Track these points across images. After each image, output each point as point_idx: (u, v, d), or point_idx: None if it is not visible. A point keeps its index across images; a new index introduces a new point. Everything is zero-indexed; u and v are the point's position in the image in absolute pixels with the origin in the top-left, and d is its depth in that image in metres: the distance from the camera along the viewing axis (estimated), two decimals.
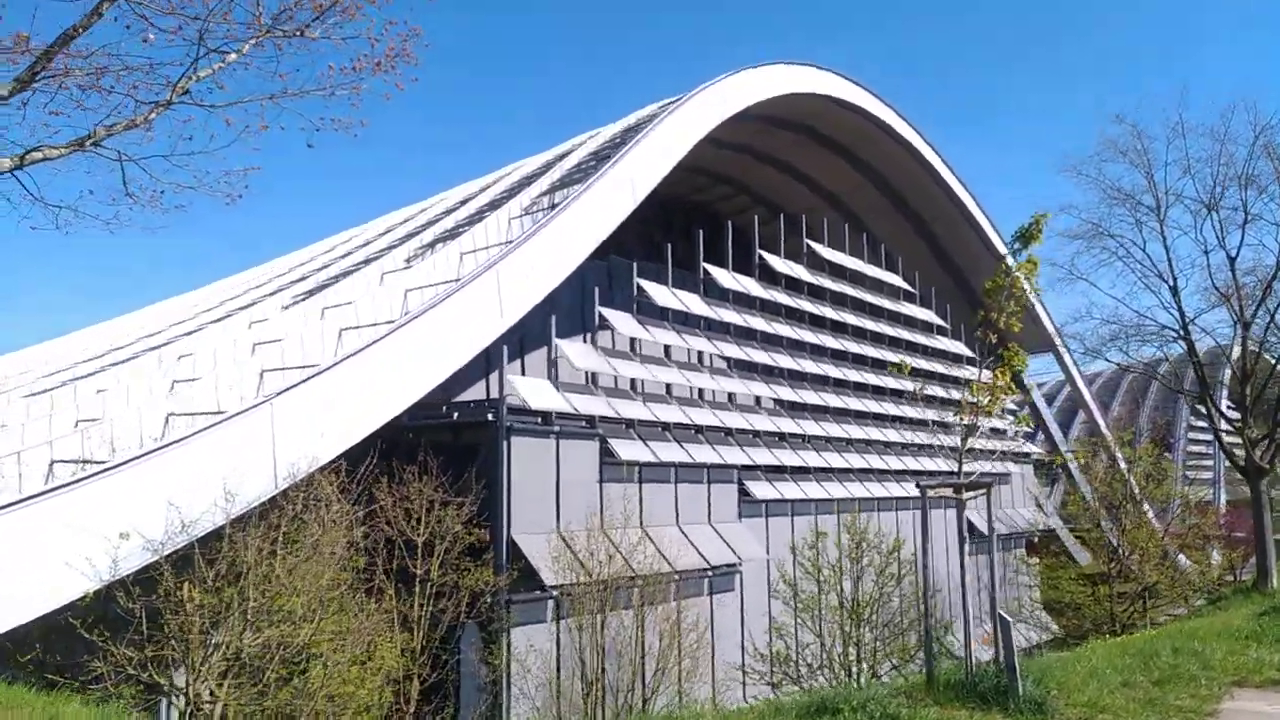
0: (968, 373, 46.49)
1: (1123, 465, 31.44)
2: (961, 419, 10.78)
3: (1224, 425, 23.10)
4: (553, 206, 21.84)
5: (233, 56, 10.43)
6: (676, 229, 34.98)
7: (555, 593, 21.03)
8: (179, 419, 14.26)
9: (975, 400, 10.62)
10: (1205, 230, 21.16)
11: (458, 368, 18.18)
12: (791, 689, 20.43)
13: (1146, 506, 40.51)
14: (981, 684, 8.53)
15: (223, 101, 10.25)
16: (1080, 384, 51.85)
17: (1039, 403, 53.22)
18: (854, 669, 19.57)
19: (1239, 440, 21.31)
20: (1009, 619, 8.67)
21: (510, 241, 19.17)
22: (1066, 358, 48.94)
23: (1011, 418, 51.08)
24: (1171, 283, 21.58)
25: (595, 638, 20.50)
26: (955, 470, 10.84)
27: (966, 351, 46.08)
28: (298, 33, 10.56)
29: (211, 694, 12.37)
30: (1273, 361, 21.01)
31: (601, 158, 24.74)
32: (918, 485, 11.36)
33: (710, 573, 26.61)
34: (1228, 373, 25.49)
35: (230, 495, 11.92)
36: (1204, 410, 23.92)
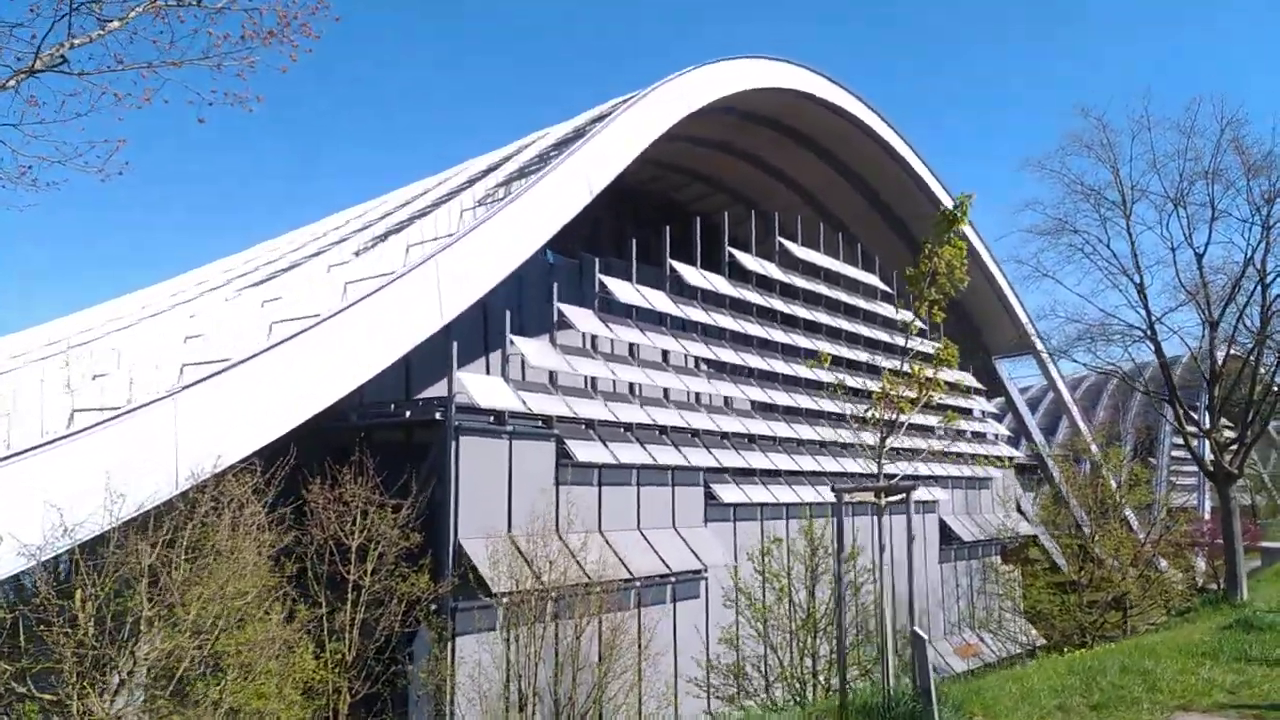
0: (945, 375, 45.90)
1: (1104, 471, 30.80)
2: (874, 413, 10.05)
3: (1191, 428, 22.43)
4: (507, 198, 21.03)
5: (115, 24, 9.66)
6: (652, 227, 34.24)
7: (505, 599, 20.23)
8: (85, 415, 13.43)
9: (892, 393, 9.90)
10: (1172, 226, 20.57)
11: (390, 362, 17.41)
12: (748, 703, 19.68)
13: (1128, 513, 39.95)
14: (897, 708, 7.79)
15: (92, 70, 9.49)
16: (1061, 387, 51.26)
17: (1020, 405, 52.63)
18: (809, 682, 18.81)
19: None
20: (924, 636, 7.96)
21: (453, 234, 18.37)
22: (1047, 360, 48.32)
23: (992, 421, 50.81)
24: (1138, 280, 20.95)
25: (537, 648, 19.71)
26: (882, 474, 10.07)
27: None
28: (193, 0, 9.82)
29: (104, 712, 11.57)
30: (1241, 363, 20.42)
31: (561, 148, 23.96)
32: (833, 489, 10.64)
33: (673, 579, 25.84)
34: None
35: (119, 496, 11.09)
36: (1175, 413, 23.21)
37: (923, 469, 40.49)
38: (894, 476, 10.41)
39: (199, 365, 14.76)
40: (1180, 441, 72.52)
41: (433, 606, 19.67)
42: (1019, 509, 48.62)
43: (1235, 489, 21.41)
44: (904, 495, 9.96)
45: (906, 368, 10.61)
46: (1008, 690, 9.01)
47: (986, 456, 47.39)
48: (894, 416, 10.21)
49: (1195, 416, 23.32)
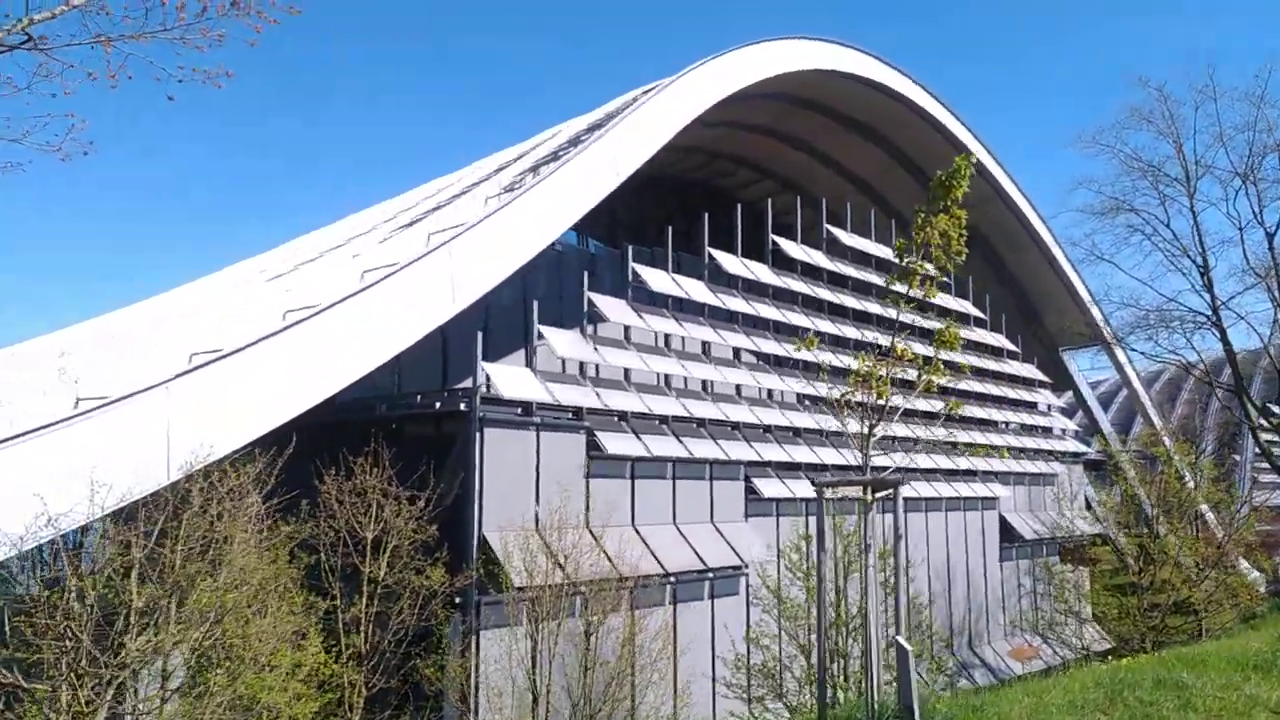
0: (1010, 368, 44.18)
1: (1168, 467, 29.08)
2: (848, 396, 9.26)
3: (1264, 422, 20.77)
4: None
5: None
6: (699, 216, 33.48)
7: (529, 593, 19.77)
8: (88, 403, 13.32)
9: (870, 374, 9.11)
10: (1239, 204, 19.01)
11: (399, 351, 17.06)
12: (776, 705, 18.91)
13: (1205, 511, 37.86)
14: None
15: (50, 45, 9.22)
16: (1133, 379, 48.93)
17: (1089, 399, 50.49)
18: (837, 685, 17.92)
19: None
20: (907, 647, 7.21)
21: (462, 225, 17.93)
22: (1120, 352, 46.11)
23: (1059, 415, 48.79)
24: (1201, 262, 19.46)
25: (560, 645, 19.21)
26: (883, 466, 9.29)
27: (1007, 344, 43.71)
28: None
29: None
30: None
31: (592, 132, 23.40)
32: (813, 483, 9.87)
33: (711, 575, 25.16)
34: None
35: (103, 486, 10.88)
36: (1243, 405, 21.64)
37: (982, 464, 39.07)
38: (861, 469, 9.60)
39: (206, 355, 14.56)
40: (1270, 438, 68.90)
41: (456, 600, 19.39)
42: (1088, 506, 46.59)
43: None
44: (891, 491, 9.14)
45: (904, 344, 9.76)
46: (1018, 705, 8.17)
47: (1051, 451, 45.65)
48: (881, 401, 9.40)
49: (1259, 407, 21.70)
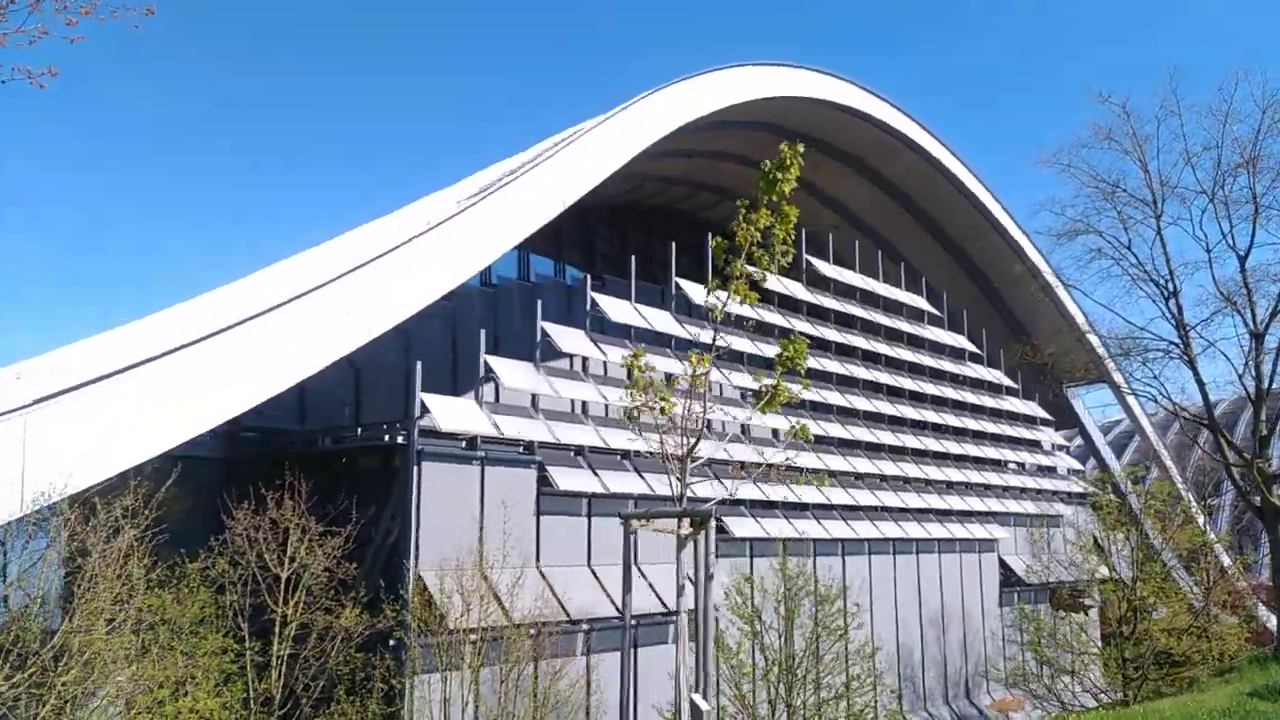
0: (1008, 404, 42.86)
1: (1140, 511, 27.66)
2: (657, 412, 8.38)
3: (1236, 458, 19.46)
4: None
5: None
6: (680, 245, 32.76)
7: (472, 636, 18.80)
8: None
9: (690, 381, 8.24)
10: (1207, 225, 18.02)
11: (296, 381, 16.32)
12: None
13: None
14: None
15: None
16: (1140, 417, 47.34)
17: (1095, 438, 48.94)
18: None
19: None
20: (703, 706, 6.28)
21: (349, 270, 17.27)
22: (1125, 391, 44.61)
23: (1062, 455, 47.23)
24: (1170, 287, 18.33)
25: (516, 689, 18.21)
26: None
27: (1006, 380, 42.47)
28: None
29: None
30: None
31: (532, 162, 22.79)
32: (619, 516, 8.99)
33: (674, 619, 24.02)
34: None
35: None
36: (1216, 439, 20.35)
37: (979, 504, 37.72)
38: (678, 499, 8.70)
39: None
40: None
41: (390, 642, 18.46)
42: (1097, 549, 44.88)
43: None
44: (703, 523, 8.22)
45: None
46: None
47: (1055, 492, 44.07)
48: (679, 417, 8.48)
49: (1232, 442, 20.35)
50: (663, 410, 8.52)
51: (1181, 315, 18.41)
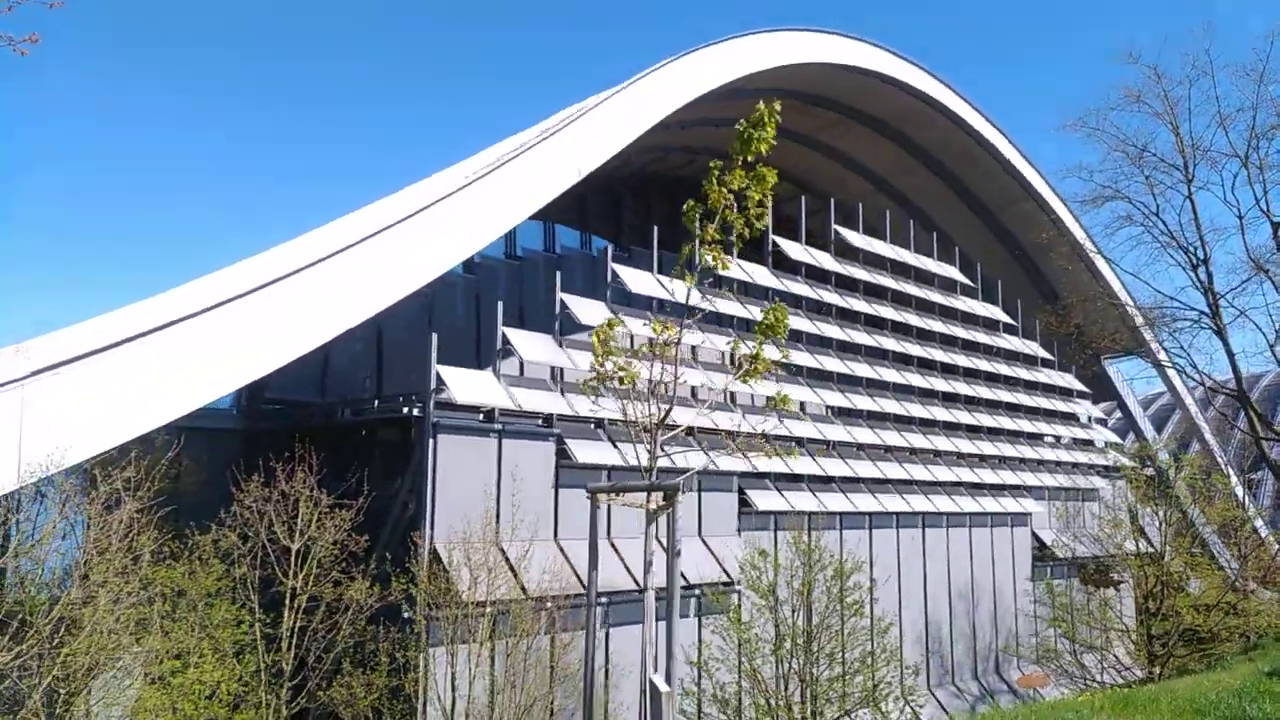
0: (1043, 376, 41.88)
1: (1171, 485, 26.82)
2: (626, 380, 8.04)
3: (1264, 430, 18.64)
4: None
5: None
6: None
7: (489, 609, 18.72)
8: None
9: (654, 346, 7.90)
10: (1239, 190, 17.20)
11: (294, 357, 16.16)
12: None
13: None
14: None
15: None
16: (1181, 390, 46.10)
17: (1133, 409, 47.74)
18: (780, 713, 16.50)
19: None
20: (662, 688, 5.99)
21: (360, 240, 17.03)
22: (1165, 362, 43.38)
23: (1099, 427, 46.14)
24: (1201, 254, 17.55)
25: (520, 661, 18.07)
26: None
27: (1041, 352, 41.50)
28: None
29: None
30: None
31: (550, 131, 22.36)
32: (587, 489, 8.68)
33: (695, 593, 23.83)
34: None
35: None
36: (1246, 413, 19.63)
37: (1012, 478, 37.00)
38: (648, 471, 8.37)
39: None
40: None
41: (404, 615, 18.42)
42: (1134, 523, 43.95)
43: None
44: (671, 497, 7.89)
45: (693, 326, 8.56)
46: None
47: (1091, 465, 43.10)
48: (662, 397, 8.13)
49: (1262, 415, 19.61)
50: (622, 381, 8.19)
51: (1211, 283, 17.68)
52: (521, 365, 23.91)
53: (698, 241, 7.77)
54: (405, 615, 18.14)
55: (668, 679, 6.71)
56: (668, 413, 8.11)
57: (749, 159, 7.33)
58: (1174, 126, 17.61)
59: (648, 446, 8.25)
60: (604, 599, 22.21)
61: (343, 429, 22.11)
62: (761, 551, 19.02)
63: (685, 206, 7.52)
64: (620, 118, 22.52)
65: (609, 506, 23.55)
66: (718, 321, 27.95)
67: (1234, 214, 17.51)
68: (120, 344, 12.59)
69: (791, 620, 17.22)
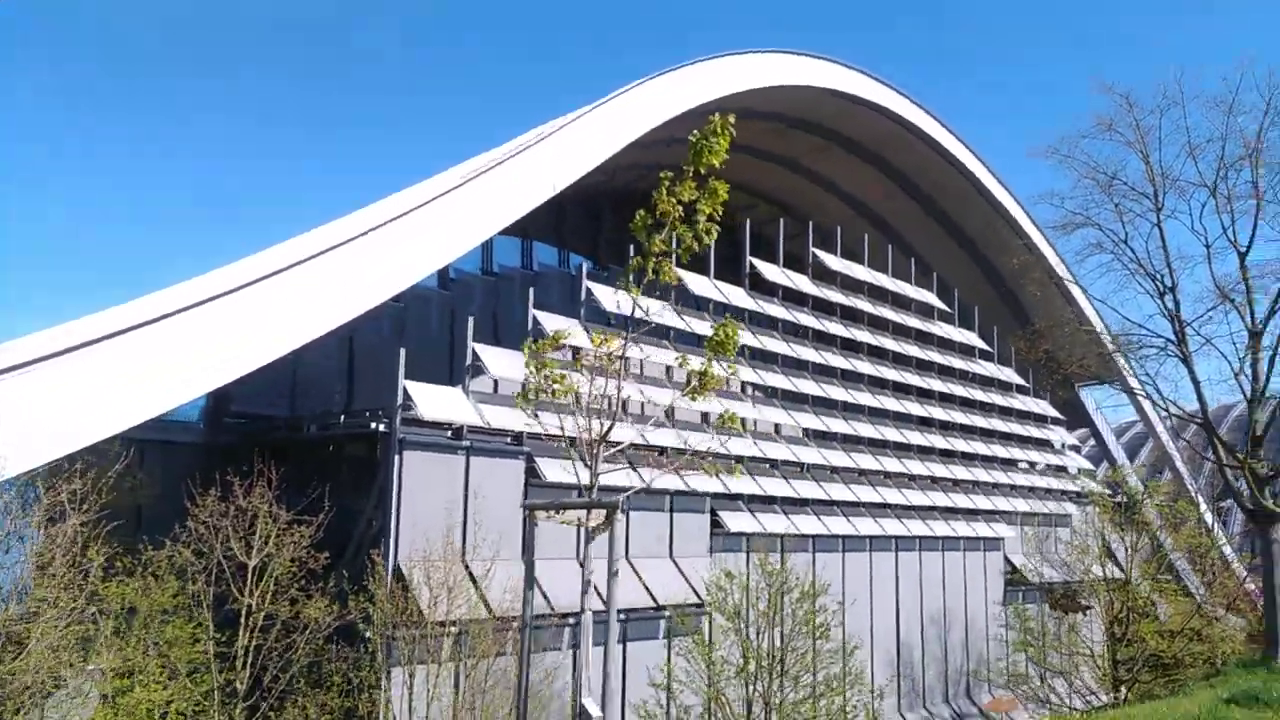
0: (1017, 402, 42.03)
1: (1138, 510, 26.97)
2: (563, 394, 7.92)
3: (1230, 460, 18.77)
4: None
5: None
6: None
7: (452, 628, 18.41)
8: None
9: (592, 359, 7.80)
10: (1208, 220, 17.28)
11: (245, 372, 15.94)
12: None
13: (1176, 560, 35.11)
14: None
15: None
16: (1153, 418, 46.38)
17: (1106, 437, 48.09)
18: None
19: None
20: (594, 713, 5.82)
21: (330, 247, 16.88)
22: (1136, 388, 43.61)
23: (1073, 454, 46.32)
24: (1169, 282, 17.64)
25: (481, 682, 17.78)
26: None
27: (1016, 378, 41.68)
28: None
29: None
30: None
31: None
32: (523, 507, 8.52)
33: (667, 613, 23.59)
34: None
35: None
36: (1210, 439, 19.74)
37: (985, 503, 37.04)
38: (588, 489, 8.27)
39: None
40: None
41: (365, 634, 18.09)
42: (1107, 550, 44.03)
43: None
44: (608, 514, 7.75)
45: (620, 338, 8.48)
46: None
47: (1064, 491, 43.19)
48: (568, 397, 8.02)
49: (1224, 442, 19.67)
50: (554, 394, 8.07)
51: (1179, 311, 17.77)
52: (496, 383, 23.71)
53: (644, 254, 7.63)
54: (365, 634, 17.83)
55: (605, 702, 6.51)
56: (609, 429, 7.96)
57: (700, 170, 7.22)
58: (1144, 155, 17.76)
59: (587, 464, 8.12)
60: (571, 619, 21.99)
61: (308, 444, 21.80)
62: (727, 573, 18.85)
63: (637, 217, 7.39)
64: (596, 134, 22.45)
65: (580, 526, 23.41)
66: (695, 342, 27.84)
67: (1201, 243, 17.69)
68: (62, 353, 12.32)
69: (757, 643, 17.03)
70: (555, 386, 7.81)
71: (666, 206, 6.91)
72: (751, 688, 16.80)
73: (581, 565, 7.65)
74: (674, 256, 7.52)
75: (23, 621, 10.91)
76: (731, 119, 7.05)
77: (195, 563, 15.21)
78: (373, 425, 20.06)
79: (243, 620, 15.72)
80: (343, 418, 21.41)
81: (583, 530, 7.67)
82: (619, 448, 8.54)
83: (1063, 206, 18.81)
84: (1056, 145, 18.33)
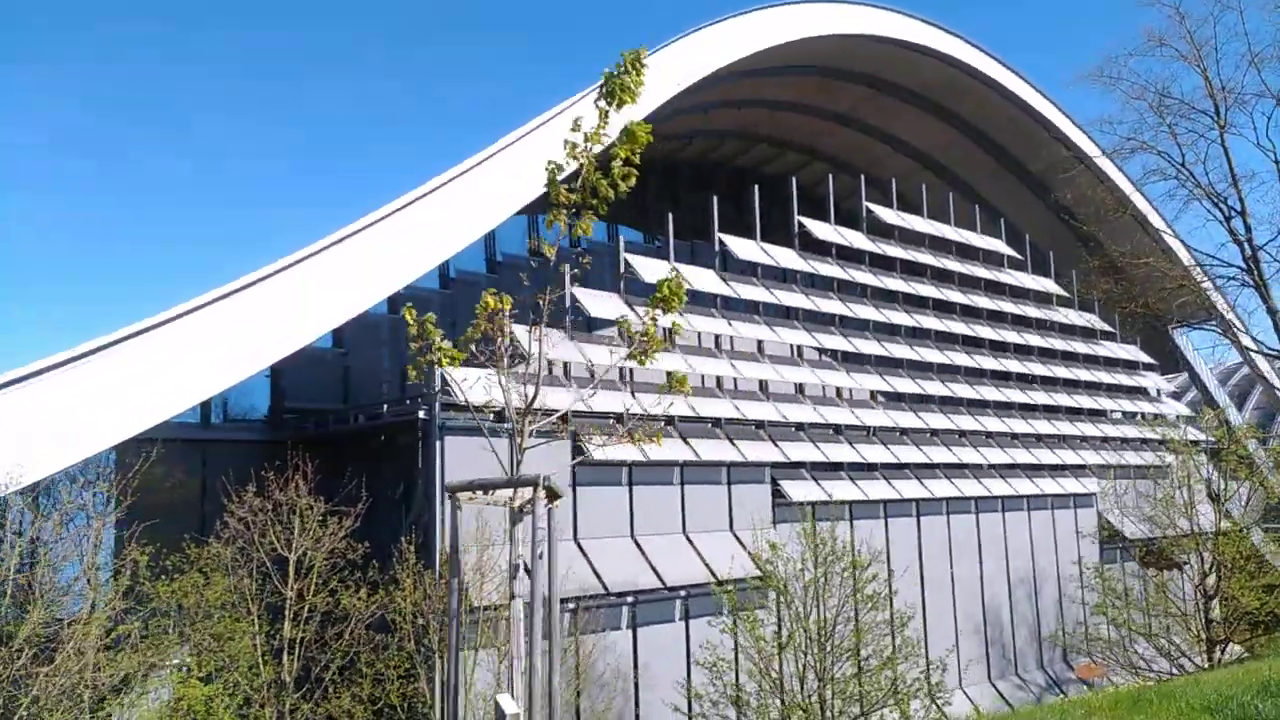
0: (1103, 349, 39.87)
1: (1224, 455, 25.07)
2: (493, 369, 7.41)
3: None
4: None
5: None
6: (737, 202, 31.24)
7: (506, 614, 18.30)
8: None
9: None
10: (1274, 134, 15.58)
11: (236, 381, 15.99)
12: None
13: None
14: None
15: None
16: (1261, 362, 43.34)
17: (1208, 382, 45.28)
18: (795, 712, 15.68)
19: None
20: (506, 709, 5.32)
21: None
22: (1236, 326, 40.87)
23: (1170, 401, 43.82)
24: (1239, 206, 16.08)
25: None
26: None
27: (1100, 324, 39.56)
28: None
29: None
30: None
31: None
32: (446, 489, 8.06)
33: (730, 588, 23.08)
34: None
35: None
36: None
37: (1072, 457, 35.32)
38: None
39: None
40: None
41: (419, 622, 18.14)
42: (1213, 501, 41.54)
43: None
44: (532, 491, 7.22)
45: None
46: None
47: (1162, 441, 40.84)
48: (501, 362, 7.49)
49: None
50: (494, 355, 7.64)
51: (1250, 235, 16.22)
52: (549, 365, 23.46)
53: (554, 205, 7.10)
54: (421, 622, 17.87)
55: (530, 696, 6.07)
56: (534, 396, 7.50)
57: (617, 107, 6.64)
58: (1202, 68, 16.24)
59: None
60: (630, 598, 21.72)
61: (358, 434, 21.96)
62: (771, 544, 18.26)
63: (548, 165, 6.83)
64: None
65: (630, 503, 23.05)
66: (745, 309, 27.15)
67: (1270, 159, 16.10)
68: (78, 359, 12.49)
69: (817, 613, 16.40)
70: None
71: (582, 160, 6.35)
72: (800, 661, 16.22)
73: (509, 547, 7.15)
74: (592, 207, 6.90)
75: (50, 626, 11.11)
76: (644, 53, 6.46)
77: (239, 559, 15.43)
78: (418, 413, 20.11)
79: (287, 613, 15.89)
80: (384, 407, 21.48)
81: (510, 512, 7.20)
82: (551, 418, 8.06)
83: (1114, 132, 17.44)
84: (1102, 67, 16.97)
